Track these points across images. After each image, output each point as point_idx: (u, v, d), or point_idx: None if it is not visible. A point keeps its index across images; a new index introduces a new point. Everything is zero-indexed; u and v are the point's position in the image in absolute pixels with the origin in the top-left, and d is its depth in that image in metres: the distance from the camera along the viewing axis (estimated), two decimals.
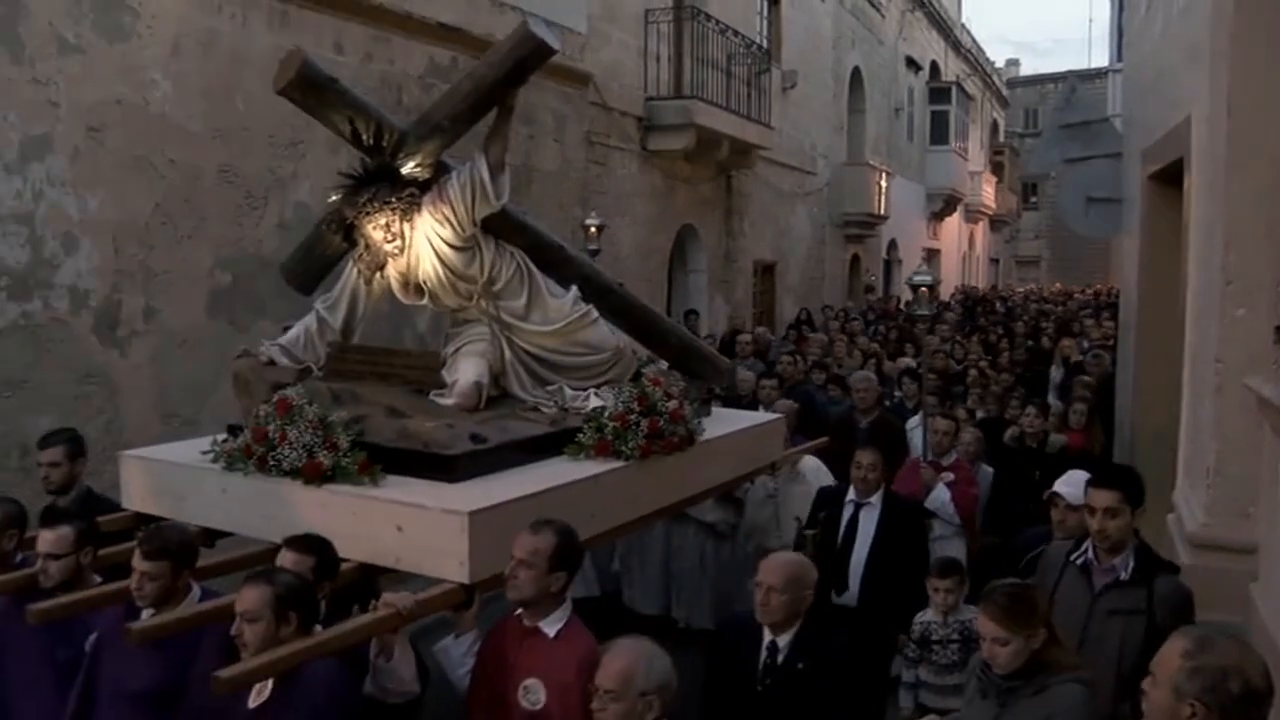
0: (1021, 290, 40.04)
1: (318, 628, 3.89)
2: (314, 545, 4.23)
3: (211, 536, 4.99)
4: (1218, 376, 5.62)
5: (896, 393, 11.08)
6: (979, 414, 10.39)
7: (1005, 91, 50.50)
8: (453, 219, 5.18)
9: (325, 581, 4.18)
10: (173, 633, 3.99)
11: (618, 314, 6.12)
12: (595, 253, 10.05)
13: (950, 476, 7.81)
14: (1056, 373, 13.33)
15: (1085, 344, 15.17)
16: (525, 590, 4.09)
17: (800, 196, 22.45)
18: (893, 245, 29.45)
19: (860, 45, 26.25)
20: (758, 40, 18.90)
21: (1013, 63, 59.69)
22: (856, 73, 26.15)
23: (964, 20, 39.89)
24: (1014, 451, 8.83)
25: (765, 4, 20.49)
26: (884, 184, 25.87)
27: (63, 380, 7.14)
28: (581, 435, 5.20)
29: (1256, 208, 5.45)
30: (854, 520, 6.67)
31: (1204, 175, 6.41)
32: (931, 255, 34.90)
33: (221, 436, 5.06)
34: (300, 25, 8.94)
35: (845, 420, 9.51)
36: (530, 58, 5.12)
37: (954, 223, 37.48)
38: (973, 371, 12.06)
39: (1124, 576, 4.64)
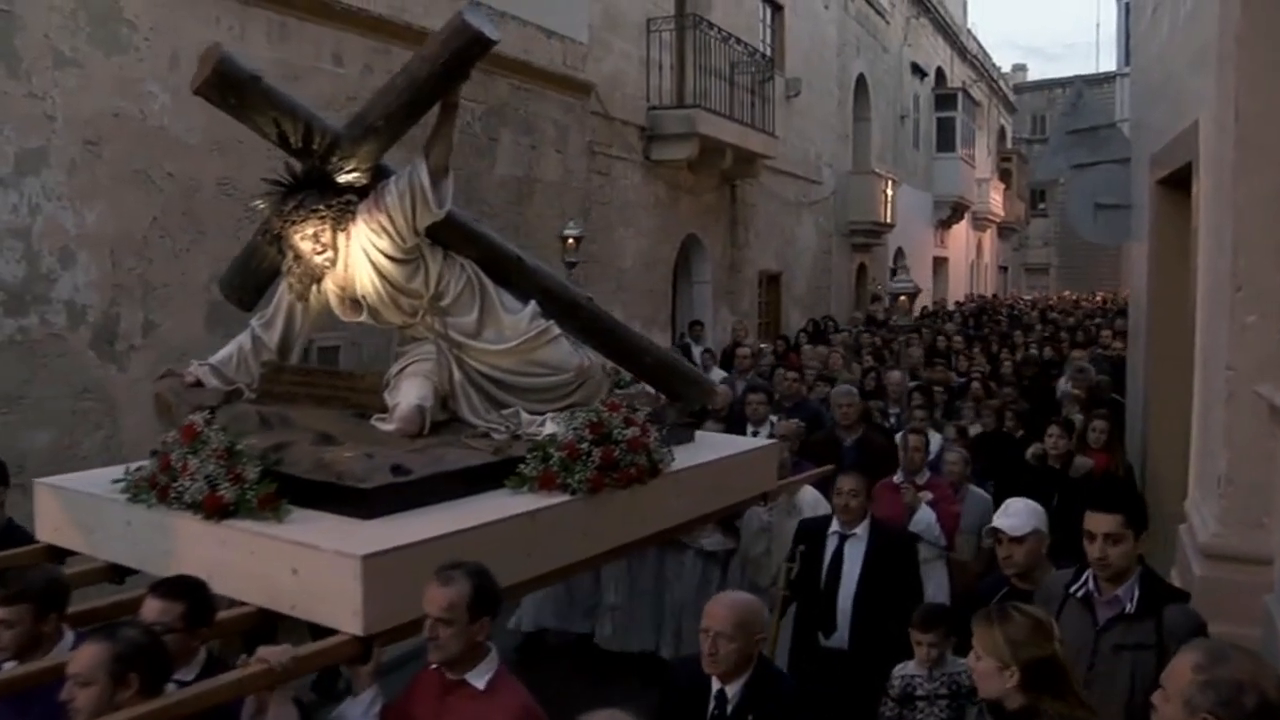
0: (1028, 298, 40.00)
1: (170, 686, 3.50)
2: (183, 590, 3.85)
3: (121, 573, 4.68)
4: (1228, 384, 5.57)
5: (893, 409, 10.73)
6: (972, 430, 10.01)
7: (1012, 97, 50.52)
8: (391, 229, 4.83)
9: (200, 630, 3.84)
10: (36, 685, 3.54)
11: (585, 331, 5.73)
12: (573, 265, 9.80)
13: (929, 495, 7.35)
14: (1066, 385, 13.01)
15: (1097, 353, 15.00)
16: (450, 649, 3.70)
17: (805, 205, 22.45)
18: (899, 254, 29.40)
19: (865, 52, 26.27)
20: (761, 48, 18.95)
21: (1019, 68, 59.63)
22: (861, 80, 26.16)
23: (970, 25, 39.95)
24: (1033, 471, 8.23)
25: (768, 11, 20.52)
26: (890, 192, 25.86)
27: (60, 396, 7.15)
28: (524, 466, 4.77)
29: (1265, 212, 5.42)
30: (839, 554, 6.17)
31: (1212, 180, 6.39)
32: (939, 264, 34.90)
33: (136, 465, 4.71)
34: (299, 37, 8.97)
35: (828, 441, 8.83)
36: (468, 49, 4.72)
37: (961, 230, 37.45)
38: (975, 384, 11.76)
39: (1129, 608, 4.28)
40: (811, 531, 6.40)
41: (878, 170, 25.94)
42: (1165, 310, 9.24)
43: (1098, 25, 77.48)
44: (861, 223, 25.14)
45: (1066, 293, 44.43)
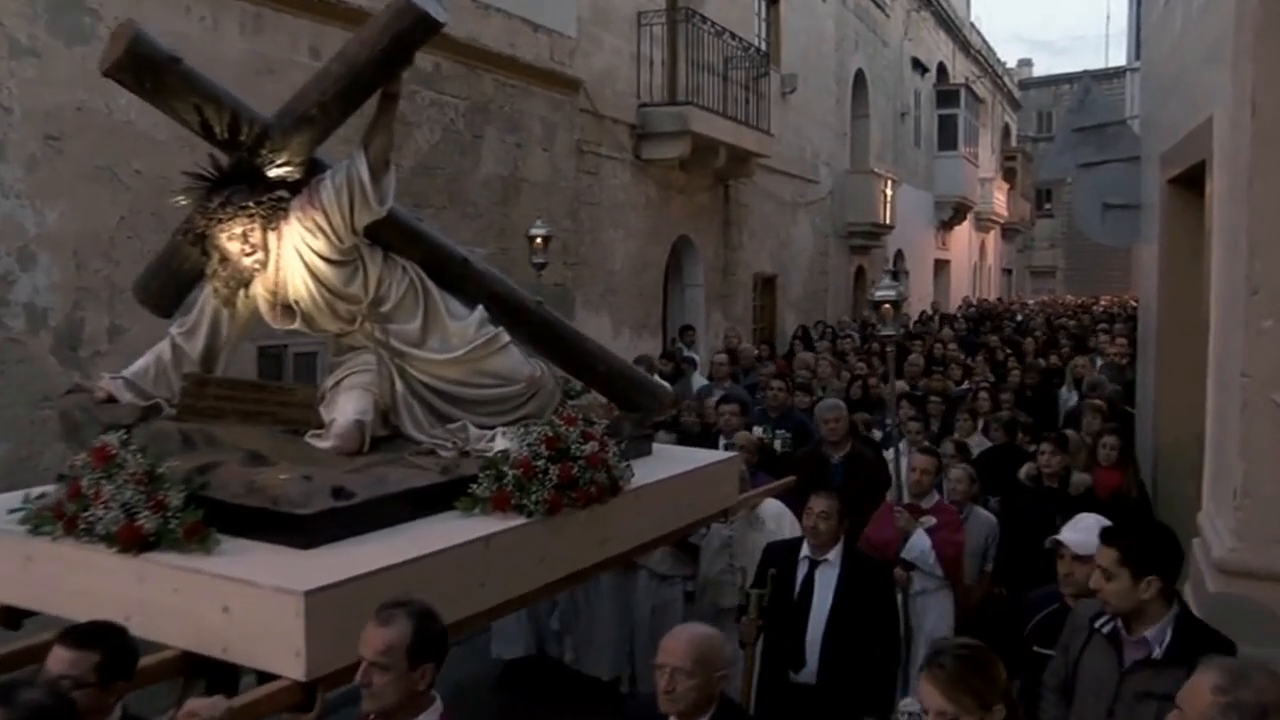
0: (1034, 302, 40.03)
1: None
2: (97, 637, 3.47)
3: (16, 616, 4.33)
4: (1244, 391, 5.53)
5: (888, 420, 10.46)
6: (974, 443, 9.73)
7: (1017, 93, 50.62)
8: (327, 227, 4.60)
9: (117, 683, 3.48)
10: None
11: (536, 339, 5.57)
12: (542, 266, 9.70)
13: (932, 521, 7.01)
14: (1068, 394, 12.93)
15: (1100, 361, 14.93)
16: (386, 698, 3.42)
17: (802, 206, 22.43)
18: (899, 256, 29.40)
19: (864, 47, 26.28)
20: (756, 43, 18.90)
21: (1025, 63, 59.83)
22: (860, 76, 26.17)
23: (973, 19, 39.99)
24: (1030, 492, 8.07)
25: (763, 5, 20.53)
26: (890, 192, 25.85)
27: (19, 404, 7.06)
28: (475, 486, 4.57)
29: None
30: (809, 580, 5.94)
31: (1227, 179, 6.35)
32: (940, 266, 34.92)
33: (38, 491, 4.41)
34: (275, 28, 8.90)
35: (813, 457, 8.58)
36: (411, 32, 4.53)
37: (964, 232, 37.49)
38: (982, 394, 11.46)
39: (1157, 653, 4.03)
40: (780, 555, 6.16)
41: (877, 169, 25.93)
42: (1176, 315, 9.22)
43: (1108, 17, 77.75)
44: (860, 224, 25.12)
45: (1070, 297, 44.52)
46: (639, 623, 7.68)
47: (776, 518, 7.08)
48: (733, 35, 17.02)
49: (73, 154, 7.35)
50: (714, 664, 4.00)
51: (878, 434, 10.27)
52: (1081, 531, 4.98)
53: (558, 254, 13.07)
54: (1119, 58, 34.49)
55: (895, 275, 22.49)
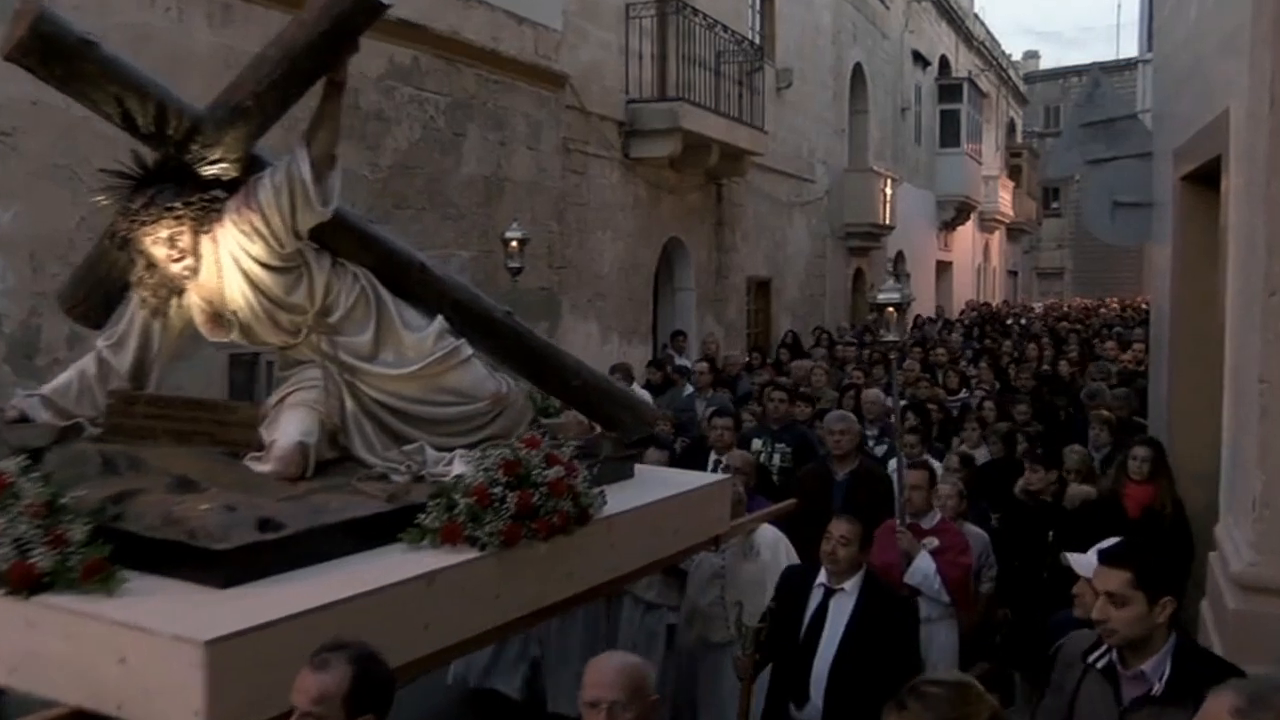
0: (1039, 306, 40.04)
1: None
2: None
3: None
4: (1262, 398, 5.53)
5: (870, 431, 10.26)
6: (978, 455, 9.76)
7: (1023, 87, 50.75)
8: (265, 231, 4.33)
9: None
10: None
11: (504, 352, 5.32)
12: (518, 271, 9.63)
13: (934, 542, 6.83)
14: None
15: (1112, 368, 14.89)
16: None
17: (798, 206, 22.46)
18: (900, 258, 29.39)
19: (862, 40, 26.33)
20: (749, 36, 18.97)
21: (1031, 55, 59.95)
22: (858, 70, 26.22)
23: (977, 10, 40.10)
24: (1023, 507, 8.10)
25: None
26: (889, 191, 25.89)
27: None
28: (423, 516, 4.25)
29: None
30: (822, 610, 5.67)
31: (1243, 175, 6.35)
32: (943, 268, 34.96)
33: None
34: (244, 21, 8.88)
35: (815, 474, 8.28)
36: (352, 15, 4.28)
37: (967, 232, 37.56)
38: (987, 404, 11.39)
39: (1157, 689, 3.82)
40: (795, 581, 5.96)
41: (876, 168, 25.97)
42: (1191, 318, 9.21)
43: (1119, 7, 77.83)
44: (858, 225, 25.17)
45: (1078, 300, 44.57)
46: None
47: (772, 546, 6.81)
48: (725, 28, 17.05)
49: (29, 151, 7.32)
50: (647, 691, 3.82)
51: (880, 448, 10.17)
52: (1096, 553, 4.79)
53: (543, 257, 13.06)
54: (1130, 49, 34.77)
55: (898, 276, 22.26)
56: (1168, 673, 3.83)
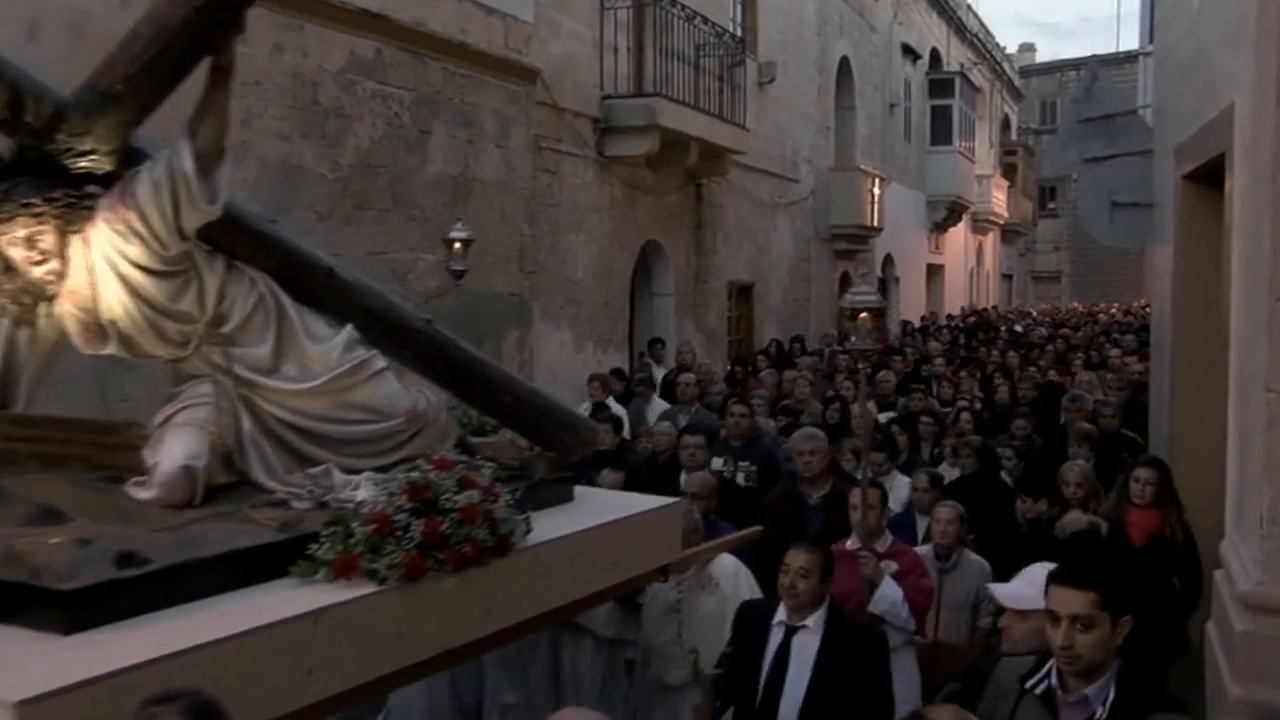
0: (1034, 311, 40.15)
1: None
2: None
3: None
4: (1269, 407, 5.53)
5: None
6: (948, 472, 9.52)
7: (1018, 81, 50.92)
8: (145, 231, 4.04)
9: None
10: None
11: (425, 364, 5.05)
12: (461, 274, 9.53)
13: (894, 566, 6.65)
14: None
15: (1110, 378, 14.87)
16: None
17: (781, 207, 22.49)
18: (889, 261, 29.49)
19: (849, 32, 26.38)
20: (730, 28, 18.98)
21: (1027, 48, 60.18)
22: (845, 64, 26.27)
23: (969, 0, 40.17)
24: (1016, 530, 7.89)
25: None
26: (877, 191, 25.95)
27: None
28: (316, 547, 3.93)
29: None
30: (784, 650, 5.50)
31: (1249, 174, 6.36)
32: (934, 272, 35.05)
33: None
34: None
35: (787, 497, 8.05)
36: None
37: (959, 234, 37.66)
38: (964, 415, 11.23)
39: (1101, 714, 3.83)
40: (753, 619, 5.77)
41: (863, 166, 26.05)
42: (1193, 324, 9.24)
43: None
44: (845, 226, 25.20)
45: (1075, 304, 44.73)
46: (585, 697, 6.79)
47: (732, 577, 6.61)
48: (705, 19, 17.04)
49: None
50: None
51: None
52: (1026, 584, 4.87)
53: (514, 261, 13.03)
54: (1130, 41, 34.88)
55: (884, 286, 22.16)
56: (1112, 696, 3.82)
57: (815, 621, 5.50)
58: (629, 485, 7.37)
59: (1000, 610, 4.89)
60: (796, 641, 5.49)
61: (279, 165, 9.75)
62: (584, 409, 10.77)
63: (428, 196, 11.77)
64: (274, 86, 9.70)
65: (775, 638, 5.54)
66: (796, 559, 5.50)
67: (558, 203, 14.48)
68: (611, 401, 12.15)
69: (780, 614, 5.57)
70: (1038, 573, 4.76)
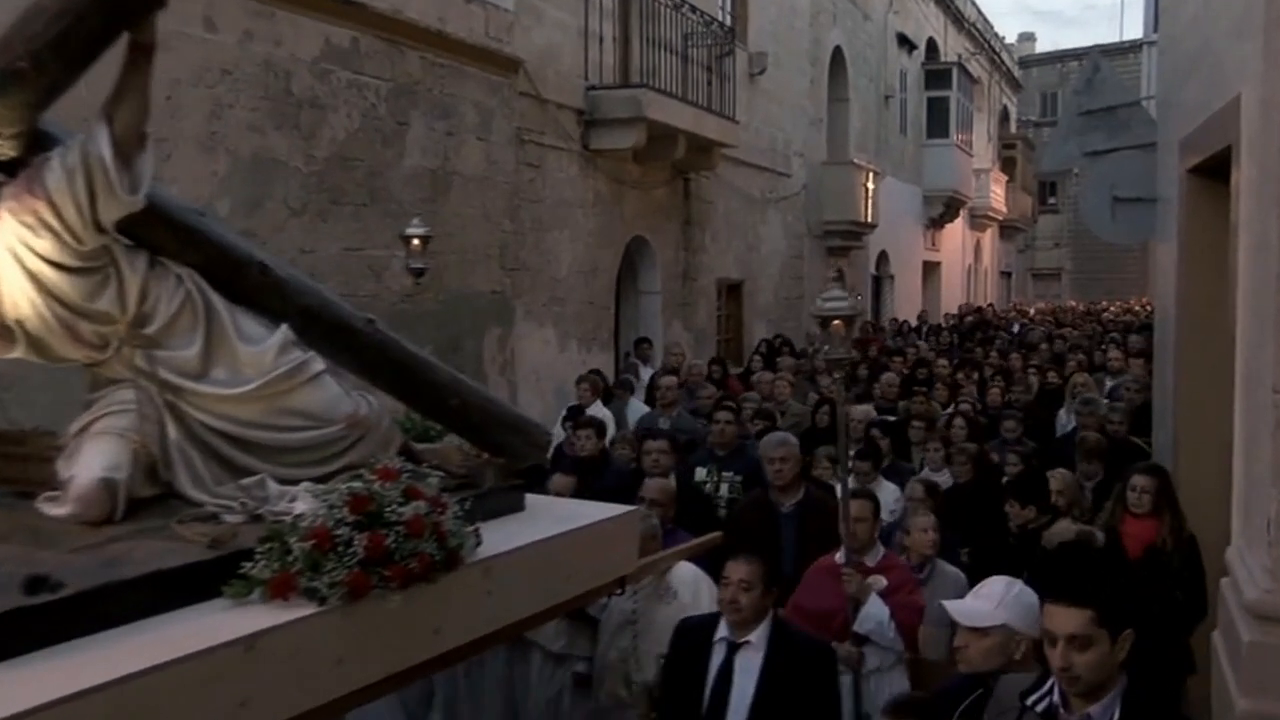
0: (1033, 310, 40.19)
1: None
2: None
3: None
4: (1277, 409, 5.54)
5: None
6: (940, 481, 9.23)
7: (1018, 72, 51.04)
8: (56, 224, 3.81)
9: None
10: None
11: (366, 367, 4.84)
12: (420, 272, 9.40)
13: (883, 582, 6.46)
14: (1067, 418, 12.69)
15: (1109, 381, 14.82)
16: None
17: (772, 202, 22.49)
18: (883, 258, 29.53)
19: (842, 21, 26.40)
20: (719, 17, 18.98)
21: (1026, 37, 60.20)
22: (838, 54, 26.28)
23: None
24: (1004, 541, 7.71)
25: None
26: (872, 186, 25.96)
27: None
28: (251, 565, 3.75)
29: None
30: (727, 668, 5.40)
31: (1255, 168, 6.37)
32: (930, 269, 35.08)
33: None
34: None
35: (759, 506, 8.00)
36: None
37: (956, 230, 37.70)
38: (958, 420, 11.01)
39: None
40: (693, 635, 5.63)
41: (857, 160, 26.06)
42: (1197, 322, 9.25)
43: None
44: (838, 222, 25.21)
45: (1073, 303, 44.79)
46: (530, 715, 6.94)
47: (691, 586, 6.49)
48: (693, 8, 17.05)
49: None
50: None
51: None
52: (982, 599, 4.82)
53: (495, 258, 13.01)
54: (1134, 29, 34.79)
55: (878, 285, 22.09)
56: (1118, 716, 3.78)
57: (758, 637, 5.41)
58: (606, 495, 7.23)
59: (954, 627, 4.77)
60: (739, 658, 5.40)
61: (250, 158, 9.69)
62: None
63: (405, 191, 11.74)
64: (245, 76, 9.66)
65: (718, 655, 5.45)
66: (736, 570, 5.39)
67: (541, 197, 14.45)
68: (599, 404, 12.10)
69: (722, 629, 5.48)
70: (996, 587, 4.80)
